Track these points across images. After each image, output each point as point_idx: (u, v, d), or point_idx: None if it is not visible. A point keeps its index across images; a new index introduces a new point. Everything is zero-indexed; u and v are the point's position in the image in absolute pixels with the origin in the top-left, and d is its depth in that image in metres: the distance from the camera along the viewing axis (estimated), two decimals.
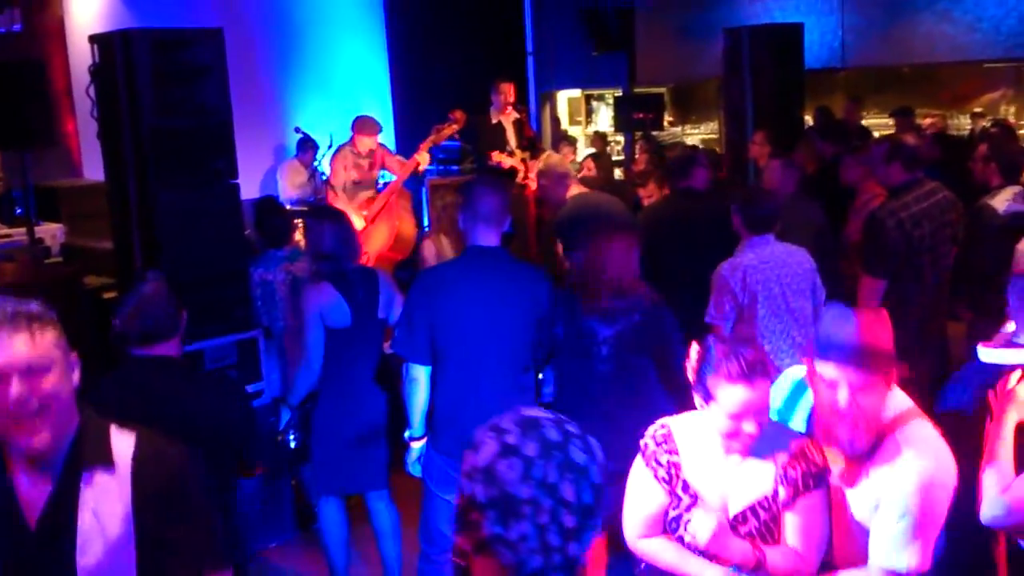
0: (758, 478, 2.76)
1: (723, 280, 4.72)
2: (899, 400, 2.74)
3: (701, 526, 2.65)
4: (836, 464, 2.76)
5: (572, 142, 12.25)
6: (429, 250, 5.98)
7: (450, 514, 3.97)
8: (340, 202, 7.89)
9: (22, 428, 2.09)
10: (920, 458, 2.59)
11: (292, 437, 4.74)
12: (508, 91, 8.93)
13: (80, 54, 6.41)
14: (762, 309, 4.68)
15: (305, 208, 8.53)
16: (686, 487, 2.82)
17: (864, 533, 2.68)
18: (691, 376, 2.79)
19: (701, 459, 2.83)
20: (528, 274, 4.15)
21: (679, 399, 3.59)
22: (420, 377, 4.02)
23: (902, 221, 5.14)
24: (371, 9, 12.53)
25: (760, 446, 2.75)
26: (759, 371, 2.64)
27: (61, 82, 9.60)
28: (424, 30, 12.25)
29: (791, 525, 2.73)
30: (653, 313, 4.13)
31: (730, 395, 2.63)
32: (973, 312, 5.72)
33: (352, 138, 8.33)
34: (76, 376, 2.20)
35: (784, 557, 2.71)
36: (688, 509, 2.79)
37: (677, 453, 2.84)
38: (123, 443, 2.24)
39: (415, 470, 4.20)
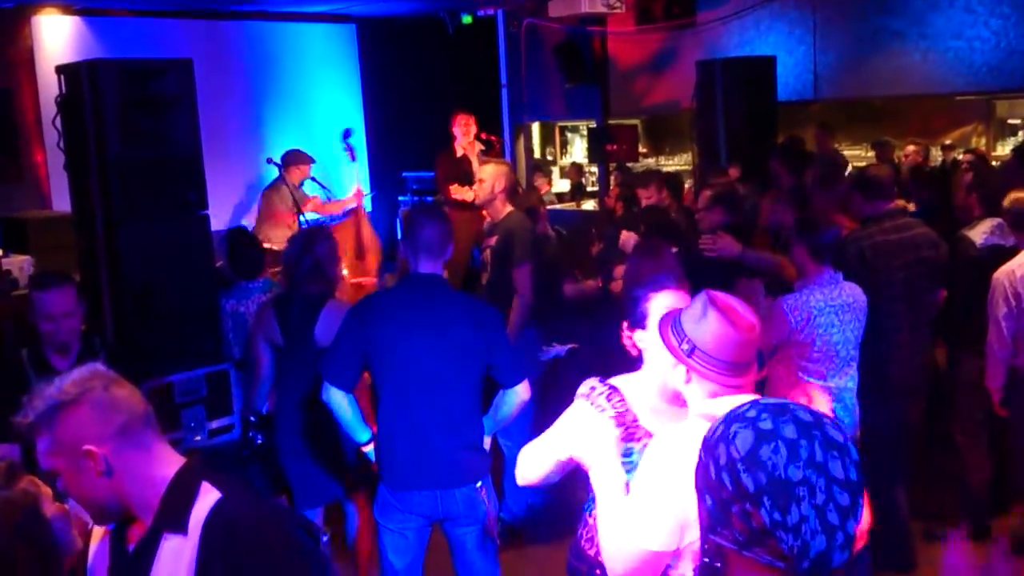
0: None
1: (781, 314, 4.54)
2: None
3: None
4: None
5: (546, 172, 12.26)
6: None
7: (395, 544, 4.00)
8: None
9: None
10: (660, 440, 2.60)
11: (258, 435, 4.74)
12: (468, 122, 8.92)
13: (50, 85, 6.34)
14: (816, 353, 4.53)
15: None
16: (635, 421, 2.94)
17: None
18: (625, 328, 3.06)
19: (645, 408, 2.96)
20: (468, 303, 4.10)
21: None
22: (333, 399, 3.97)
23: (863, 250, 5.06)
24: (345, 42, 12.53)
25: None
26: (682, 280, 3.10)
27: (30, 113, 9.53)
28: (398, 62, 12.27)
29: None
30: None
31: (661, 302, 2.96)
32: (951, 347, 5.71)
33: (285, 173, 8.60)
34: (98, 465, 2.16)
35: None
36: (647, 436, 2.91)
37: (624, 401, 2.96)
38: (203, 505, 2.20)
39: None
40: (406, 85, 12.13)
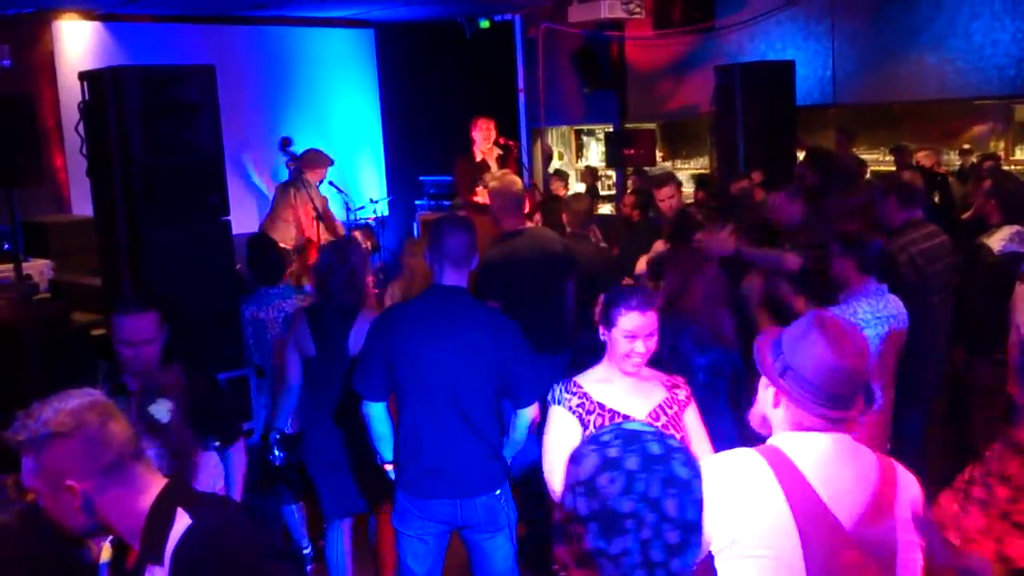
0: (653, 391, 3.55)
1: None
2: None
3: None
4: None
5: (563, 176, 12.25)
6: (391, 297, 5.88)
7: (415, 550, 4.04)
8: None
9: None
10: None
11: (277, 454, 4.75)
12: (488, 126, 8.92)
13: (70, 90, 6.38)
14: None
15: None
16: (601, 406, 3.47)
17: None
18: (598, 314, 3.51)
19: (604, 389, 3.51)
20: (489, 316, 4.06)
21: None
22: (372, 414, 4.01)
23: (914, 257, 4.98)
24: (363, 47, 12.57)
25: (648, 375, 3.56)
26: (651, 303, 3.45)
27: (50, 118, 9.60)
28: (416, 67, 12.30)
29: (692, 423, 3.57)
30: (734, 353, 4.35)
31: (629, 320, 3.40)
32: (968, 353, 5.68)
33: (303, 173, 8.77)
34: (76, 500, 2.16)
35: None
36: (611, 420, 3.41)
37: (582, 387, 3.52)
38: (175, 533, 2.20)
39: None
40: (424, 89, 12.16)
